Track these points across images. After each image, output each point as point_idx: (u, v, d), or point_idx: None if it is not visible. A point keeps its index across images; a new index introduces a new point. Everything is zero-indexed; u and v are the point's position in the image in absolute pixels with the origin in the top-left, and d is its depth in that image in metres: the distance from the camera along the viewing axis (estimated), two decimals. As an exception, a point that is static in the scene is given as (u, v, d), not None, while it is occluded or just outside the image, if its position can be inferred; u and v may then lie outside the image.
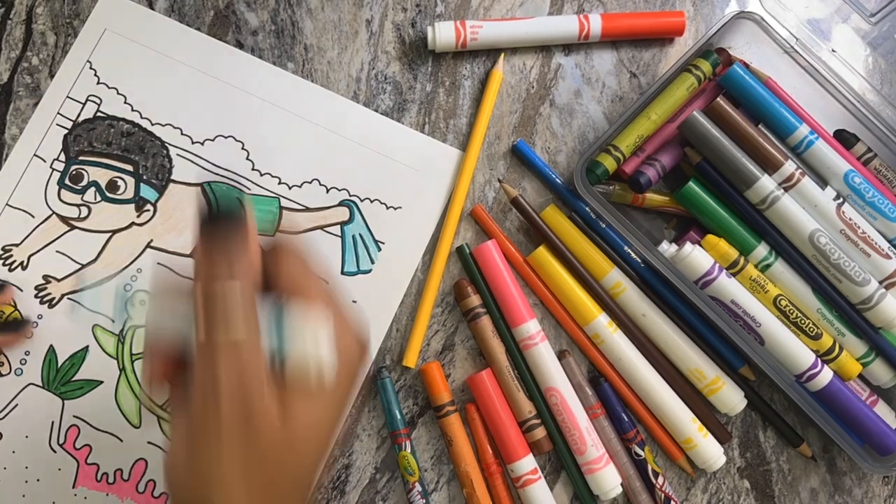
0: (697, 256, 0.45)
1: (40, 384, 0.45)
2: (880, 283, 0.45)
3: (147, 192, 0.47)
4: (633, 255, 0.47)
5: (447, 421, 0.45)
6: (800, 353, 0.44)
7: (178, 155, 0.47)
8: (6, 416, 0.45)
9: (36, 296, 0.46)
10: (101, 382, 0.45)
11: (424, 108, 0.49)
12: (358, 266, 0.47)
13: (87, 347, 0.45)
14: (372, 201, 0.48)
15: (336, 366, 0.29)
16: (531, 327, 0.46)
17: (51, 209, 0.46)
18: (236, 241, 0.29)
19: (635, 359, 0.46)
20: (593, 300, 0.47)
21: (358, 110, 0.48)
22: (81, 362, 0.45)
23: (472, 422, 0.46)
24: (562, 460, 0.46)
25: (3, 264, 0.46)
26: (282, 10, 0.49)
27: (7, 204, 0.46)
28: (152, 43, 0.48)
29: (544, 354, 0.46)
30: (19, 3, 0.47)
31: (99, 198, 0.46)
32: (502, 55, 0.49)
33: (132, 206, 0.47)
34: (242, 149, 0.47)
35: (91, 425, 0.45)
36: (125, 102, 0.47)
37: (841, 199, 0.45)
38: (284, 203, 0.47)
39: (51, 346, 0.45)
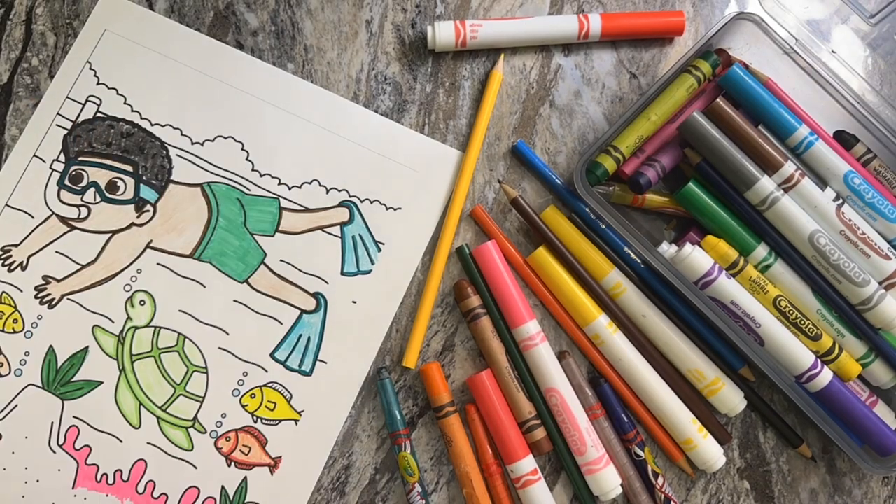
0: (697, 257, 0.45)
1: (40, 385, 0.45)
2: (880, 283, 0.45)
3: (147, 192, 0.47)
4: (632, 255, 0.47)
5: (447, 422, 0.45)
6: (799, 354, 0.44)
7: (177, 155, 0.47)
8: (6, 416, 0.45)
9: (35, 296, 0.46)
10: (101, 383, 0.45)
11: (424, 109, 0.49)
12: (358, 267, 0.47)
13: (86, 348, 0.45)
14: (372, 202, 0.48)
15: None
16: (531, 328, 0.46)
17: (50, 210, 0.46)
18: None
19: (635, 359, 0.46)
20: (593, 301, 0.47)
21: (358, 111, 0.48)
22: (81, 363, 0.45)
23: (471, 422, 0.46)
24: (562, 461, 0.46)
25: (3, 265, 0.46)
26: (282, 10, 0.49)
27: (6, 204, 0.46)
28: (152, 44, 0.48)
29: (544, 355, 0.46)
30: (19, 3, 0.47)
31: (98, 198, 0.46)
32: (502, 55, 0.49)
33: (132, 206, 0.47)
34: (242, 149, 0.47)
35: (91, 426, 0.45)
36: (125, 103, 0.47)
37: (841, 200, 0.45)
38: (284, 204, 0.47)
39: (50, 346, 0.45)
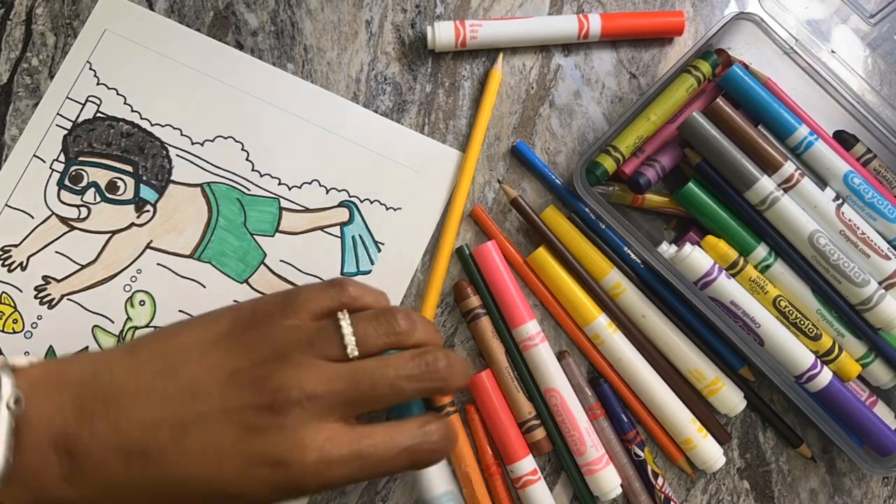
0: (697, 257, 0.45)
1: (40, 385, 0.45)
2: (880, 283, 0.45)
3: (147, 192, 0.47)
4: (632, 255, 0.47)
5: (447, 422, 0.45)
6: (799, 354, 0.44)
7: (177, 156, 0.47)
8: (6, 416, 0.45)
9: (35, 296, 0.46)
10: (101, 383, 0.45)
11: (424, 109, 0.49)
12: (357, 267, 0.47)
13: (86, 348, 0.45)
14: (372, 202, 0.48)
15: None
16: (531, 328, 0.46)
17: (50, 210, 0.46)
18: None
19: (635, 359, 0.46)
20: (593, 301, 0.47)
21: (358, 111, 0.48)
22: (81, 363, 0.45)
23: (471, 422, 0.46)
24: (561, 461, 0.46)
25: (3, 265, 0.46)
26: (281, 10, 0.49)
27: (6, 204, 0.46)
28: (152, 44, 0.48)
29: (544, 355, 0.46)
30: (19, 3, 0.47)
31: (98, 198, 0.46)
32: (501, 54, 0.49)
33: (132, 206, 0.47)
34: (242, 149, 0.47)
35: (90, 426, 0.45)
36: (125, 103, 0.47)
37: (840, 200, 0.45)
38: (284, 204, 0.47)
39: (50, 346, 0.45)
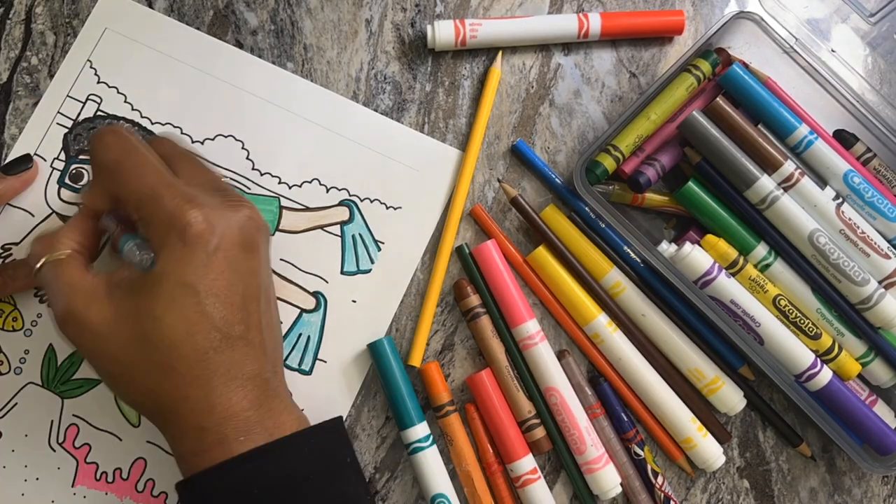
0: (697, 256, 0.45)
1: (40, 383, 0.45)
2: (879, 282, 0.45)
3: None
4: (632, 254, 0.47)
5: (447, 421, 0.45)
6: (799, 353, 0.44)
7: (177, 154, 0.47)
8: (5, 414, 0.45)
9: (35, 294, 0.46)
10: (101, 382, 0.45)
11: (424, 108, 0.49)
12: (358, 266, 0.47)
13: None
14: (372, 201, 0.48)
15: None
16: (531, 327, 0.46)
17: (51, 208, 0.46)
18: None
19: (635, 359, 0.47)
20: (593, 300, 0.47)
21: (358, 110, 0.48)
22: (81, 361, 0.45)
23: (471, 421, 0.46)
24: (561, 460, 0.46)
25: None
26: (281, 9, 0.49)
27: (7, 203, 0.46)
28: (152, 42, 0.48)
29: (544, 354, 0.46)
30: (18, 2, 0.47)
31: (99, 197, 0.46)
32: (500, 53, 0.49)
33: (132, 205, 0.47)
34: (242, 148, 0.47)
35: (90, 424, 0.45)
36: (125, 101, 0.47)
37: (840, 199, 0.45)
38: (284, 203, 0.47)
39: (50, 345, 0.45)
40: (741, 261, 0.45)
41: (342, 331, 0.47)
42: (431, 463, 0.45)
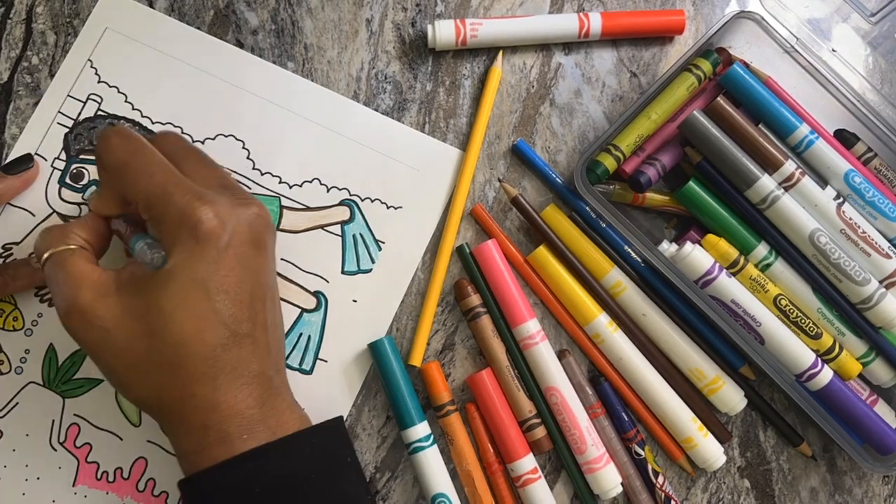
0: (697, 256, 0.45)
1: (41, 382, 0.45)
2: (880, 282, 0.45)
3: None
4: (633, 254, 0.47)
5: (448, 420, 0.45)
6: (800, 353, 0.44)
7: (178, 154, 0.47)
8: (6, 414, 0.45)
9: (36, 294, 0.46)
10: (102, 381, 0.45)
11: (424, 108, 0.49)
12: (358, 265, 0.47)
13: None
14: (372, 201, 0.48)
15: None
16: (531, 327, 0.46)
17: (52, 208, 0.46)
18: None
19: (635, 358, 0.47)
20: (593, 300, 0.47)
21: (358, 109, 0.48)
22: (82, 361, 0.45)
23: (472, 421, 0.46)
24: (562, 460, 0.46)
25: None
26: (282, 9, 0.49)
27: (8, 203, 0.46)
28: (153, 42, 0.48)
29: (544, 354, 0.46)
30: (19, 2, 0.47)
31: (99, 197, 0.46)
32: (501, 52, 0.49)
33: (132, 205, 0.47)
34: (243, 148, 0.47)
35: (91, 424, 0.45)
36: (126, 101, 0.47)
37: (841, 199, 0.45)
38: (285, 202, 0.47)
39: (51, 344, 0.45)
40: (742, 260, 0.45)
41: (343, 330, 0.47)
42: (432, 462, 0.45)
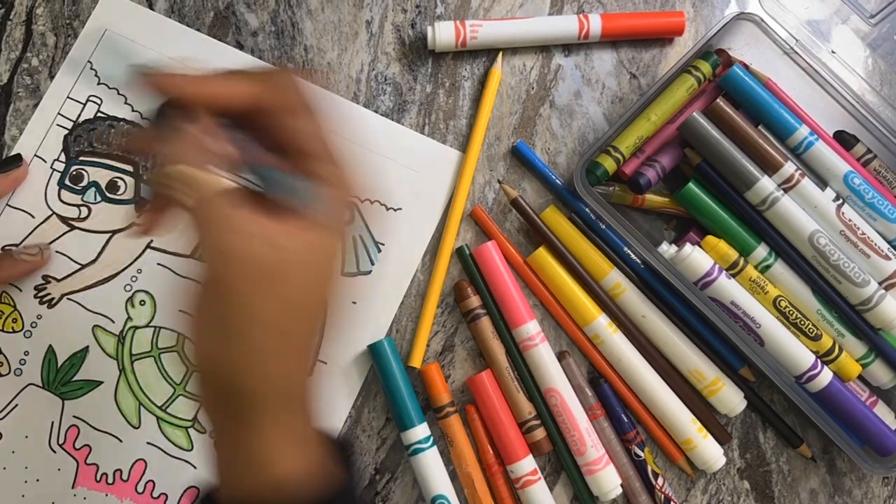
0: (697, 257, 0.45)
1: (40, 384, 0.45)
2: (880, 284, 0.45)
3: (147, 192, 0.47)
4: (632, 256, 0.47)
5: (447, 422, 0.45)
6: (799, 354, 0.44)
7: (178, 155, 0.47)
8: (6, 416, 0.45)
9: (35, 296, 0.46)
10: (101, 383, 0.45)
11: (424, 110, 0.49)
12: (358, 267, 0.47)
13: (87, 348, 0.45)
14: (372, 202, 0.48)
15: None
16: (531, 328, 0.46)
17: (51, 209, 0.46)
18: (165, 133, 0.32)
19: (635, 360, 0.46)
20: (593, 301, 0.47)
21: (358, 111, 0.48)
22: (81, 363, 0.45)
23: (472, 422, 0.46)
24: (562, 461, 0.46)
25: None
26: (282, 11, 0.49)
27: (7, 204, 0.46)
28: (153, 44, 0.48)
29: (544, 355, 0.46)
30: (19, 4, 0.47)
31: (99, 198, 0.46)
32: (500, 54, 0.49)
33: (132, 206, 0.47)
34: (242, 149, 0.47)
35: (91, 426, 0.45)
36: (125, 103, 0.47)
37: (840, 200, 0.45)
38: (284, 204, 0.47)
39: (50, 346, 0.45)
40: (741, 262, 0.45)
41: (342, 332, 0.46)
42: (432, 464, 0.45)
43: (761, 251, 0.46)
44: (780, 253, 0.46)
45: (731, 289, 0.45)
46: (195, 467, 0.45)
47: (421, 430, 0.45)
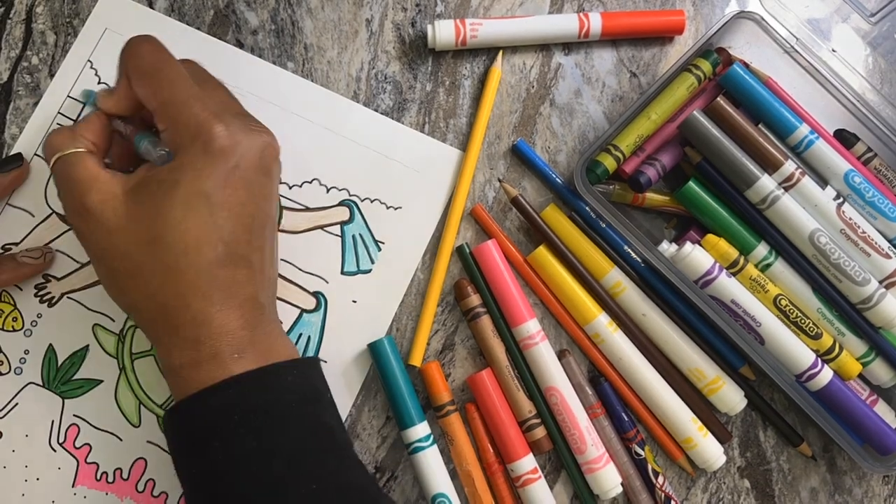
0: (697, 256, 0.45)
1: (40, 383, 0.45)
2: (880, 282, 0.45)
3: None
4: (633, 254, 0.47)
5: (447, 421, 0.45)
6: (800, 353, 0.44)
7: (178, 154, 0.47)
8: (6, 414, 0.45)
9: (35, 294, 0.46)
10: (101, 381, 0.45)
11: (424, 108, 0.49)
12: (358, 266, 0.47)
13: (87, 346, 0.45)
14: (372, 201, 0.48)
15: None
16: (531, 327, 0.46)
17: (51, 208, 0.46)
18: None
19: (635, 358, 0.46)
20: (593, 300, 0.47)
21: (358, 110, 0.48)
22: (81, 361, 0.45)
23: (472, 421, 0.46)
24: (562, 460, 0.46)
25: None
26: (282, 9, 0.49)
27: (7, 203, 0.46)
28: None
29: (544, 354, 0.46)
30: (19, 2, 0.47)
31: (99, 197, 0.46)
32: (500, 52, 0.49)
33: (132, 205, 0.47)
34: (242, 148, 0.47)
35: (91, 424, 0.45)
36: (125, 102, 0.47)
37: (841, 199, 0.45)
38: (285, 203, 0.47)
39: (50, 345, 0.45)
40: (742, 260, 0.45)
41: (342, 331, 0.47)
42: (432, 463, 0.45)
43: (761, 250, 0.46)
44: (780, 251, 0.46)
45: (731, 287, 0.45)
46: (195, 466, 0.45)
47: (421, 429, 0.45)
